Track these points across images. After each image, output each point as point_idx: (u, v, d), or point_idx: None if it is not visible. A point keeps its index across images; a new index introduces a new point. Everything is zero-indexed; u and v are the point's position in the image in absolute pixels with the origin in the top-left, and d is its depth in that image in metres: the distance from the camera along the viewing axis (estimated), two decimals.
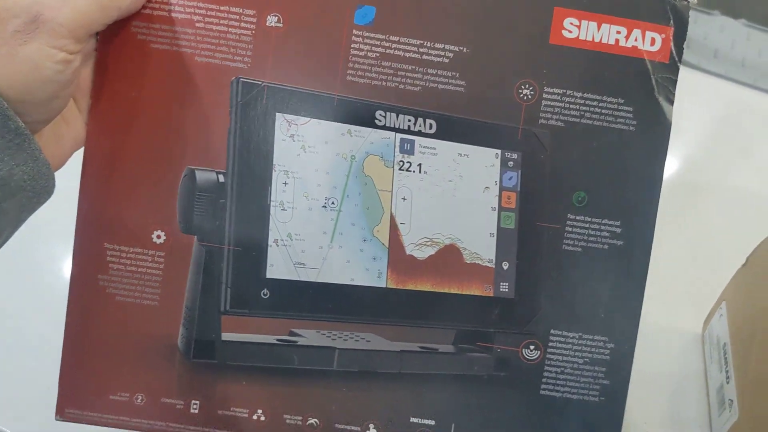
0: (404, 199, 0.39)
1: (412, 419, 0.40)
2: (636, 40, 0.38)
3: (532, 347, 0.40)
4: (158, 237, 0.38)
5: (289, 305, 0.39)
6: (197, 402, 0.40)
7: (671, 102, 0.39)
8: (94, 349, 0.39)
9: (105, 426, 0.40)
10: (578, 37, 0.38)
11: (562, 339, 0.40)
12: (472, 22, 0.38)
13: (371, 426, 0.40)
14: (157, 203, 0.38)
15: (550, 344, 0.40)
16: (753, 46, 0.92)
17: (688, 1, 0.38)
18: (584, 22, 0.38)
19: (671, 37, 0.38)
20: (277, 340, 0.39)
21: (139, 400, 0.40)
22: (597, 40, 0.38)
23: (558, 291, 0.40)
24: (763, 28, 0.96)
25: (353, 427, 0.40)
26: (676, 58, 0.38)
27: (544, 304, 0.40)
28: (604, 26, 0.38)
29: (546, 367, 0.40)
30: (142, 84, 0.38)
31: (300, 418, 0.40)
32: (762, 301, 0.49)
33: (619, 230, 0.40)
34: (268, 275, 0.38)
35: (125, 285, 0.39)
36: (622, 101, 0.39)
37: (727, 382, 0.50)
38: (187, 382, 0.39)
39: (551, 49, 0.38)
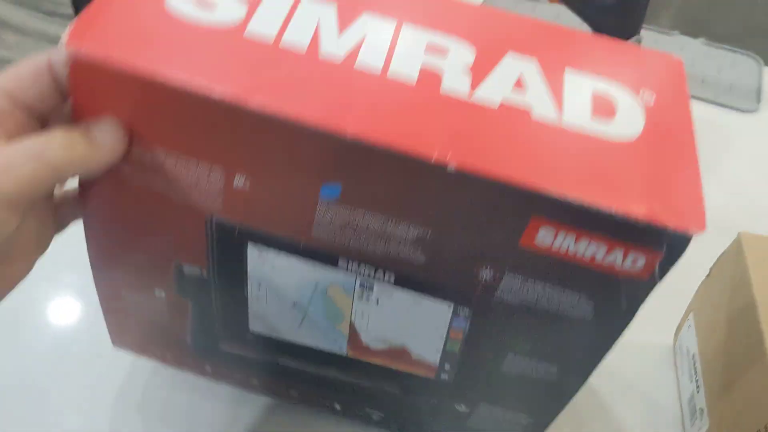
0: (362, 318, 0.42)
1: (367, 409, 0.51)
2: (615, 259, 0.34)
3: (463, 406, 0.47)
4: (159, 293, 0.45)
5: (269, 348, 0.47)
6: (209, 365, 0.52)
7: (636, 308, 0.36)
8: (127, 327, 0.50)
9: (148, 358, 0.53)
10: (551, 247, 0.34)
11: (489, 409, 0.47)
12: (440, 209, 0.35)
13: (336, 404, 0.52)
14: (155, 275, 0.44)
15: (477, 409, 0.47)
16: (712, 64, 0.89)
17: (690, 235, 0.32)
18: (561, 235, 0.34)
19: (658, 262, 0.34)
20: (262, 357, 0.49)
21: (168, 357, 0.52)
22: (571, 253, 0.34)
23: (492, 388, 0.45)
24: (721, 46, 0.92)
25: (324, 401, 0.52)
26: (657, 279, 0.34)
27: (479, 390, 0.45)
28: (583, 242, 0.34)
29: (470, 417, 0.48)
30: (121, 205, 0.40)
31: (284, 385, 0.52)
32: (726, 311, 0.51)
33: (554, 371, 0.42)
34: (251, 329, 0.46)
35: (139, 308, 0.47)
36: (584, 297, 0.37)
37: (698, 392, 0.53)
38: (199, 357, 0.51)
39: (520, 250, 0.35)
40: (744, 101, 0.87)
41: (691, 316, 0.57)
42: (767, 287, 0.48)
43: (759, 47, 0.99)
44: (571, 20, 0.95)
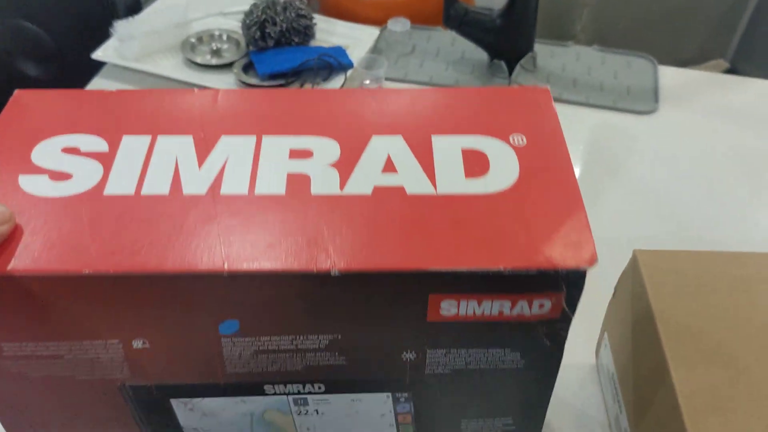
0: (308, 429, 0.42)
1: None
2: (522, 309, 0.35)
3: None
4: None
5: None
6: None
7: (562, 345, 0.37)
8: None
9: None
10: (458, 314, 0.35)
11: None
12: (341, 313, 0.35)
13: None
14: None
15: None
16: (608, 70, 0.91)
17: (583, 270, 0.33)
18: (463, 303, 0.34)
19: (563, 299, 0.35)
20: None
21: None
22: (479, 314, 0.35)
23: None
24: (615, 50, 0.94)
25: None
26: (569, 313, 0.35)
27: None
28: (486, 303, 0.35)
29: None
30: (28, 396, 0.40)
31: None
32: (631, 328, 0.50)
33: (510, 422, 0.43)
34: None
35: None
36: (509, 349, 0.38)
37: (621, 412, 0.52)
38: None
39: (430, 325, 0.36)
40: (642, 103, 0.87)
41: (605, 335, 0.56)
42: (664, 302, 0.47)
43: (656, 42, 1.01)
44: (465, 45, 0.95)
